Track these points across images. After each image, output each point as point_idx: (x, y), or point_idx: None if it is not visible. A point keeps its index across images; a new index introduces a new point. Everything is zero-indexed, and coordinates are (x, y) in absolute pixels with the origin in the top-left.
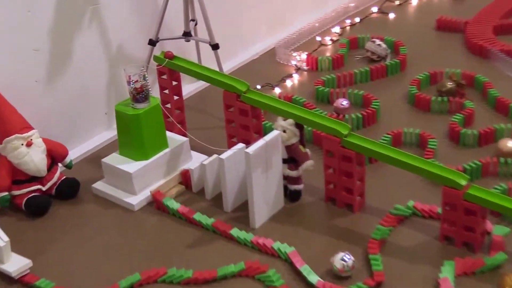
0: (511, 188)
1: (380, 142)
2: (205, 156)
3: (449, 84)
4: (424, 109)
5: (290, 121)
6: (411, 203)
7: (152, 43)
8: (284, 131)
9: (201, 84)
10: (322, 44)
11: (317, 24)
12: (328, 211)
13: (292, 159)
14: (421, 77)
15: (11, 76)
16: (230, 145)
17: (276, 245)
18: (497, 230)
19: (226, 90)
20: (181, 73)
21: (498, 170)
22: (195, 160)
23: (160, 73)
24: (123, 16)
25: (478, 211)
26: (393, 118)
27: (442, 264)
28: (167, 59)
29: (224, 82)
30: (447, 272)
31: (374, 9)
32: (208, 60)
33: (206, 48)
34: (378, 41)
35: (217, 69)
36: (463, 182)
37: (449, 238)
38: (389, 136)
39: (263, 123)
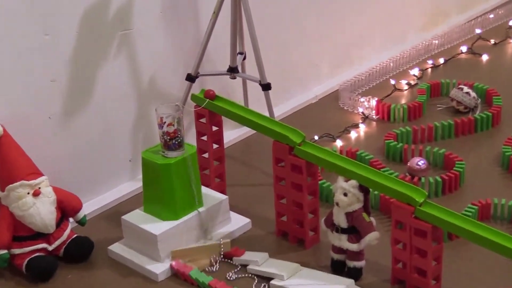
0: None
1: (463, 214)
2: (246, 220)
3: None
4: None
5: (353, 182)
6: None
7: (191, 79)
8: (345, 195)
9: (246, 131)
10: (396, 88)
11: (391, 64)
12: None
13: (353, 229)
14: None
15: (20, 109)
16: (278, 207)
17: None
18: None
19: (276, 141)
20: (223, 117)
21: None
22: (234, 223)
23: (198, 115)
24: (158, 45)
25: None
26: (481, 185)
27: None
28: (207, 99)
29: (274, 131)
30: None
31: (463, 48)
32: (257, 102)
33: (255, 88)
34: (466, 89)
35: (267, 114)
36: None
37: None
38: (475, 207)
39: (319, 182)
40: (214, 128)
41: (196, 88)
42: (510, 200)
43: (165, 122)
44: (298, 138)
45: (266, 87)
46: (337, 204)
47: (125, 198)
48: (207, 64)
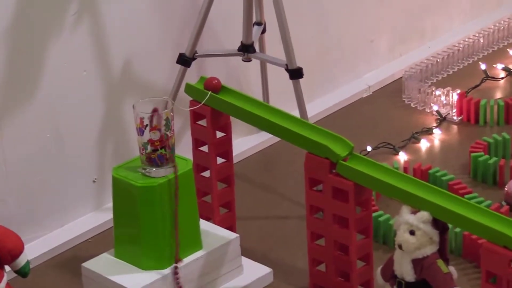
0: None
1: None
2: (265, 269)
3: None
4: None
5: (425, 215)
6: None
7: (185, 61)
8: (412, 233)
9: (266, 139)
10: (488, 76)
11: (481, 40)
12: None
13: (424, 285)
14: None
15: None
16: (313, 251)
17: None
18: None
19: (311, 153)
20: (232, 118)
21: None
22: (248, 274)
23: (196, 116)
24: (136, 11)
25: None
26: None
27: None
28: (209, 92)
29: (308, 139)
30: None
31: None
32: (282, 96)
33: (279, 76)
34: None
35: (297, 114)
36: None
37: None
38: None
39: (374, 215)
40: (219, 135)
41: (192, 75)
42: None
43: (146, 126)
44: (343, 149)
45: (295, 74)
46: (400, 247)
47: (86, 237)
48: (209, 40)
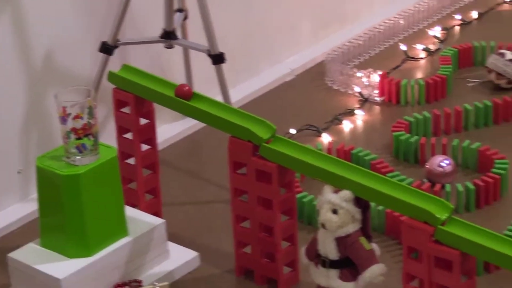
0: None
1: (506, 235)
2: (192, 253)
3: None
4: None
5: (347, 194)
6: None
7: (107, 49)
8: (335, 212)
9: (191, 125)
10: (409, 57)
11: (401, 21)
12: None
13: (347, 262)
14: None
15: None
16: (239, 234)
17: None
18: None
19: (234, 137)
20: (156, 105)
21: None
22: (175, 259)
23: (119, 103)
24: (57, 3)
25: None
26: None
27: None
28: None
29: (231, 123)
30: None
31: None
32: (206, 82)
33: (203, 61)
34: (510, 55)
35: (220, 99)
36: None
37: None
38: None
39: (298, 196)
40: (143, 121)
41: (115, 63)
42: None
43: (69, 114)
44: (265, 132)
45: (217, 59)
46: (323, 226)
47: (11, 228)
48: (131, 28)
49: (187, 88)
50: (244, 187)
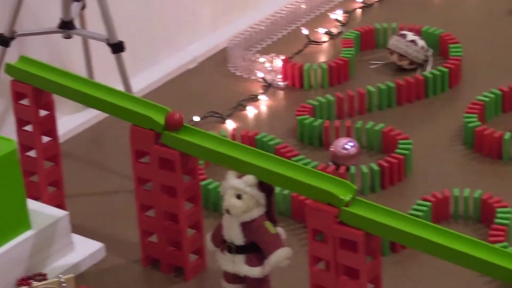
0: None
1: (411, 214)
2: (97, 245)
3: None
4: (494, 156)
5: (250, 179)
6: None
7: (3, 41)
8: (239, 197)
9: (93, 116)
10: (311, 41)
11: (303, 6)
12: None
13: (252, 247)
14: (486, 99)
15: None
16: (144, 223)
17: None
18: None
19: (135, 125)
20: (55, 96)
21: None
22: (79, 251)
23: (17, 95)
24: None
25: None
26: (435, 171)
27: None
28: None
29: (131, 111)
30: None
31: None
32: (106, 71)
33: (102, 51)
34: (411, 36)
35: (122, 88)
36: None
37: None
38: (428, 203)
39: (203, 183)
40: (43, 113)
41: (13, 55)
42: (477, 189)
43: None
44: None
45: (117, 48)
46: (228, 211)
47: None
48: (28, 19)
49: (178, 116)
50: (148, 176)
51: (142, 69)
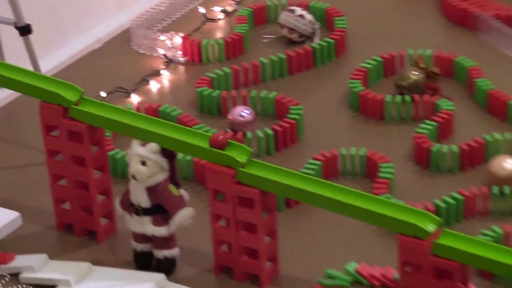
0: (509, 233)
1: (303, 172)
2: (13, 214)
3: (413, 75)
4: (376, 116)
5: (153, 146)
6: (352, 266)
7: None
8: (144, 163)
9: (5, 96)
10: (208, 19)
11: None
12: None
13: (158, 209)
14: (368, 66)
15: None
16: (57, 192)
17: None
18: None
19: (44, 102)
20: None
21: (490, 206)
22: None
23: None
24: None
25: (455, 271)
26: (325, 134)
27: None
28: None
29: (40, 89)
30: None
31: None
32: (16, 53)
33: (11, 33)
34: (299, 11)
35: (30, 68)
36: (431, 228)
37: None
38: (318, 162)
39: (110, 153)
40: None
41: None
42: (362, 148)
43: None
44: (73, 95)
45: (24, 30)
46: (134, 177)
47: None
48: None
49: (221, 137)
50: (58, 148)
51: (51, 50)
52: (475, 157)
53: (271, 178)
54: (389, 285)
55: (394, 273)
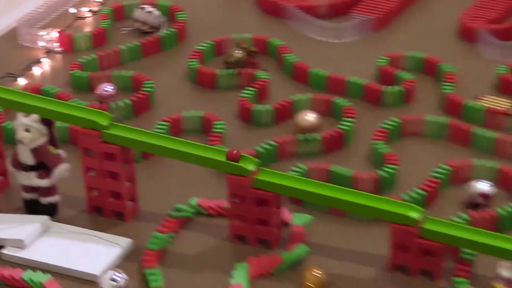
0: (312, 169)
1: (154, 131)
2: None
3: (237, 53)
4: (210, 86)
5: (35, 116)
6: (194, 200)
7: None
8: (27, 131)
9: None
10: (78, 17)
11: None
12: (95, 224)
13: (41, 165)
14: (203, 48)
15: None
16: None
17: (28, 275)
18: (297, 220)
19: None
20: None
21: (298, 150)
22: None
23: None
24: None
25: (271, 199)
26: (171, 101)
27: (234, 268)
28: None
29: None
30: (239, 277)
31: None
32: None
33: None
34: (148, 8)
35: None
36: (251, 168)
37: (242, 236)
38: (166, 123)
39: (2, 125)
40: None
41: None
42: (200, 111)
43: None
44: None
45: None
46: (21, 141)
47: None
48: None
49: (235, 151)
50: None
51: None
52: (285, 113)
53: (129, 136)
54: (223, 214)
55: (226, 204)
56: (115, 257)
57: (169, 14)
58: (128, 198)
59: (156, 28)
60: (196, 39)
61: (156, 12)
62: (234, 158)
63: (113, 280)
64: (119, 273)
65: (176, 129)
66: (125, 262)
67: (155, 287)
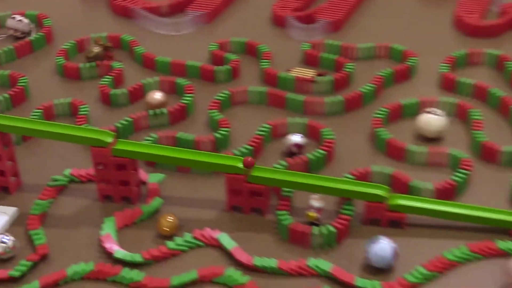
0: (162, 137)
1: (30, 118)
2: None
3: (96, 49)
4: (75, 78)
5: None
6: (68, 171)
7: None
8: None
9: None
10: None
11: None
12: None
13: None
14: (67, 47)
15: None
16: None
17: None
18: (152, 178)
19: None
20: None
21: (149, 123)
22: None
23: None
24: None
25: (129, 164)
26: (44, 93)
27: (103, 222)
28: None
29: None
30: (108, 228)
31: None
32: None
33: None
34: (18, 17)
35: None
36: (109, 139)
37: (108, 196)
38: (40, 110)
39: None
40: None
41: None
42: (67, 98)
43: None
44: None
45: None
46: None
47: None
48: None
49: (250, 159)
50: None
51: None
52: (138, 94)
53: (8, 124)
54: (92, 179)
55: (93, 172)
56: (3, 224)
57: (37, 21)
58: (11, 175)
59: (27, 33)
60: (61, 40)
61: (25, 20)
62: (249, 164)
63: (2, 242)
64: (7, 236)
65: (49, 114)
66: (13, 227)
67: (39, 244)
